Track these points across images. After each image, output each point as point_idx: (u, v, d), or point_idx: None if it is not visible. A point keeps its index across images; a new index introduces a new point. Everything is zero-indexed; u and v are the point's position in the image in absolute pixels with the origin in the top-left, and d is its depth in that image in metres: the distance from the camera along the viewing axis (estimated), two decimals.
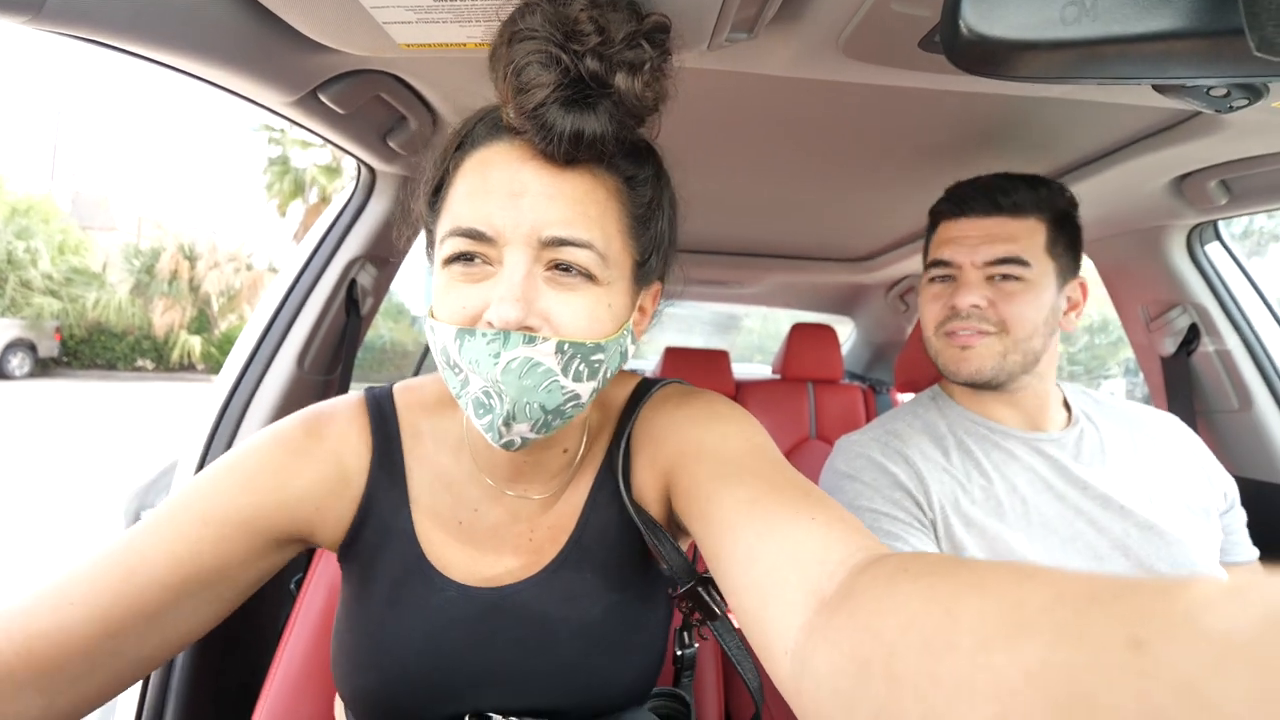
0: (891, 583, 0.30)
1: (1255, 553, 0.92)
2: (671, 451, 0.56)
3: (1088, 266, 1.01)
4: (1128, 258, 1.32)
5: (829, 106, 0.89)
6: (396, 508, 0.58)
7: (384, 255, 1.23)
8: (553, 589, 0.58)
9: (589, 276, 0.48)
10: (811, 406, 2.47)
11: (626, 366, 0.58)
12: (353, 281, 1.18)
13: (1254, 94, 0.48)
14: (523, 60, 0.43)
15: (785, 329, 2.52)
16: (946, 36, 0.41)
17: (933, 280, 0.90)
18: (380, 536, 0.58)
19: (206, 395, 1.05)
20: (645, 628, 0.61)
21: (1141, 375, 1.43)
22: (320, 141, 0.96)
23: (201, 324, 14.75)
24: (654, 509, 0.58)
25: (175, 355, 14.14)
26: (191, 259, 14.77)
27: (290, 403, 1.09)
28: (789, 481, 0.47)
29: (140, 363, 14.52)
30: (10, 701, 0.43)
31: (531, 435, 0.50)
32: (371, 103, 0.87)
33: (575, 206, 0.47)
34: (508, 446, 0.50)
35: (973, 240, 0.84)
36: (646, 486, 0.58)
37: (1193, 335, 1.26)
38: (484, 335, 0.46)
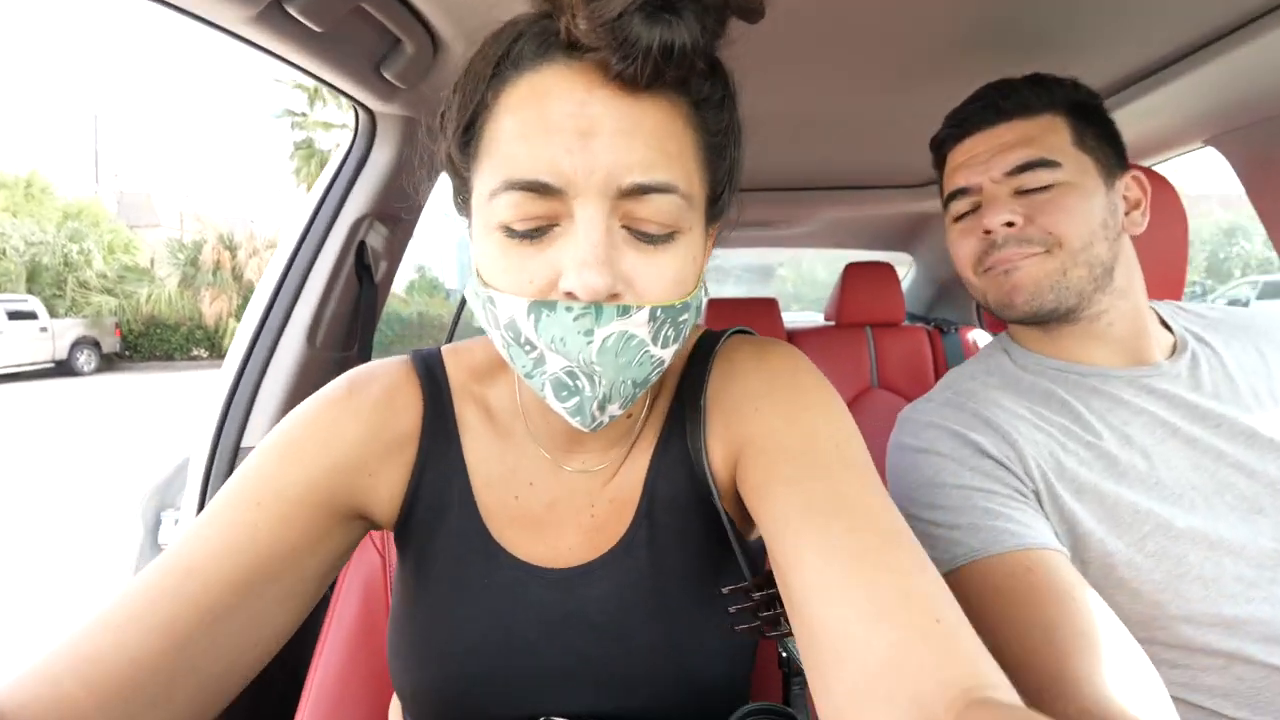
0: None
1: None
2: (748, 432, 0.50)
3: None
4: (1272, 146, 1.09)
5: None
6: (452, 477, 0.54)
7: (394, 212, 1.10)
8: (625, 569, 0.53)
9: (672, 231, 0.42)
10: (872, 353, 2.29)
11: None
12: (362, 244, 1.05)
13: None
14: None
15: (822, 274, 2.31)
16: None
17: (958, 218, 0.78)
18: (437, 509, 0.54)
19: (213, 383, 0.95)
20: (731, 607, 0.54)
21: None
22: (341, 122, 0.82)
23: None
24: (722, 484, 0.53)
25: (226, 342, 14.62)
26: (232, 249, 15.11)
27: (304, 385, 0.99)
28: (877, 518, 0.42)
29: (195, 351, 15.10)
30: None
31: (619, 413, 0.45)
32: (354, 18, 0.72)
33: (654, 143, 0.40)
34: (596, 429, 0.45)
35: (984, 155, 0.73)
36: (717, 458, 0.53)
37: None
38: (569, 310, 0.40)
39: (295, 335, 0.99)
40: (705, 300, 0.56)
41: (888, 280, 2.28)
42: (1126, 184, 0.73)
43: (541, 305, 0.40)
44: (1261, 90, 0.96)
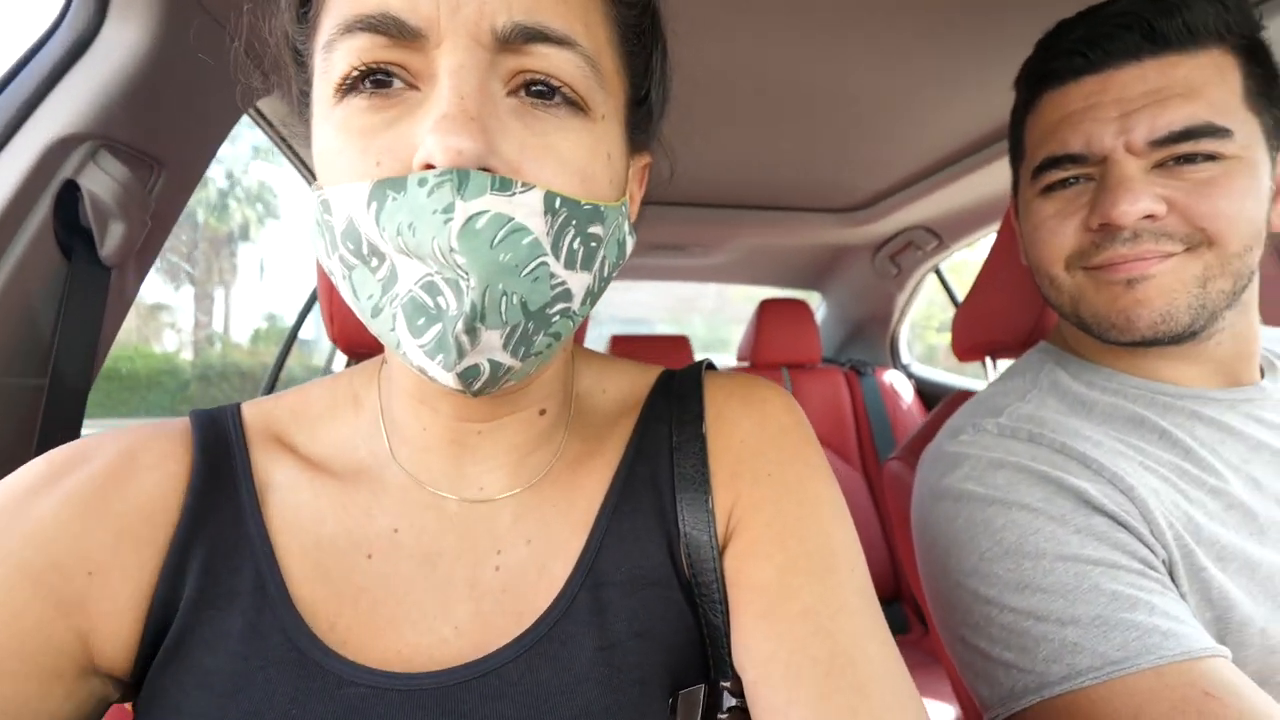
0: None
1: None
2: (756, 498, 0.41)
3: None
4: None
5: None
6: (241, 555, 0.37)
7: (148, 144, 0.66)
8: (551, 667, 0.36)
9: (576, 105, 0.33)
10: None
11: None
12: (71, 189, 0.61)
13: None
14: None
15: (730, 330, 2.15)
16: None
17: (1047, 190, 0.56)
18: (211, 604, 0.36)
19: None
20: None
21: None
22: None
23: None
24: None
25: None
26: None
27: None
28: (882, 678, 0.35)
29: None
30: None
31: (506, 360, 0.33)
32: None
33: None
34: (468, 380, 0.32)
35: (1118, 105, 0.51)
36: (720, 519, 0.41)
37: None
38: (421, 184, 0.30)
39: None
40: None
41: (803, 318, 2.14)
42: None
43: (386, 185, 0.30)
44: None
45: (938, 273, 2.07)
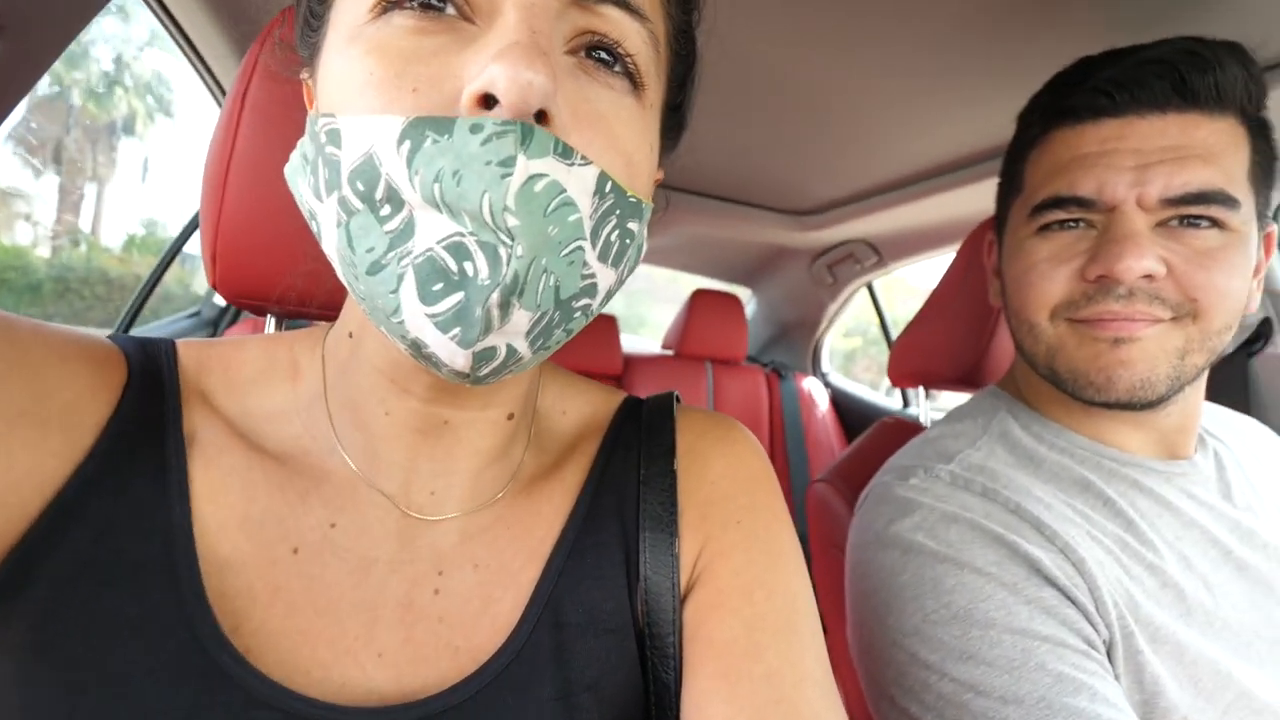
0: None
1: None
2: (723, 545, 0.38)
3: None
4: None
5: None
6: (152, 517, 0.31)
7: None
8: (502, 717, 0.31)
9: (634, 80, 0.31)
10: (710, 390, 2.09)
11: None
12: None
13: None
14: None
15: (649, 307, 2.10)
16: None
17: (1044, 229, 0.54)
18: (107, 564, 0.29)
19: None
20: None
21: None
22: None
23: None
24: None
25: None
26: None
27: None
28: None
29: None
30: None
31: (522, 348, 0.30)
32: None
33: None
34: (480, 363, 0.29)
35: (1142, 156, 0.49)
36: (686, 563, 0.39)
37: (1262, 333, 1.01)
38: (477, 130, 0.26)
39: None
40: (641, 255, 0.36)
41: (734, 313, 2.13)
42: (1263, 237, 0.54)
43: (426, 124, 0.26)
44: None
45: (869, 288, 2.10)
